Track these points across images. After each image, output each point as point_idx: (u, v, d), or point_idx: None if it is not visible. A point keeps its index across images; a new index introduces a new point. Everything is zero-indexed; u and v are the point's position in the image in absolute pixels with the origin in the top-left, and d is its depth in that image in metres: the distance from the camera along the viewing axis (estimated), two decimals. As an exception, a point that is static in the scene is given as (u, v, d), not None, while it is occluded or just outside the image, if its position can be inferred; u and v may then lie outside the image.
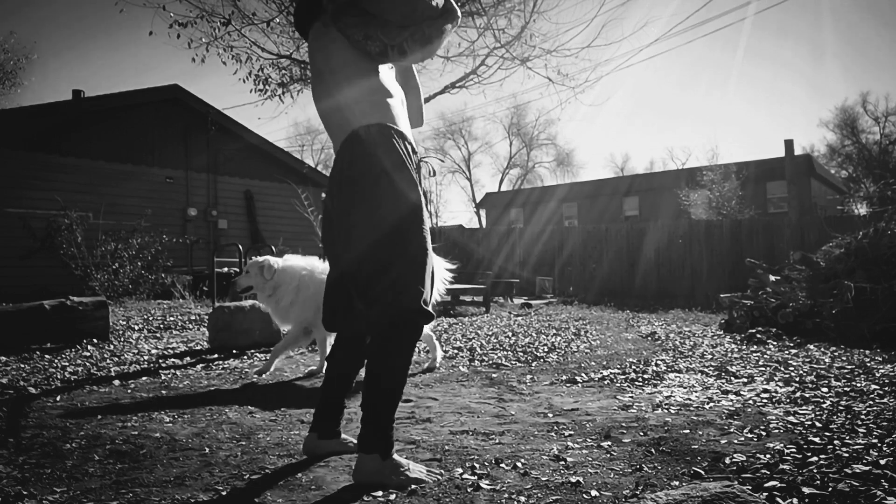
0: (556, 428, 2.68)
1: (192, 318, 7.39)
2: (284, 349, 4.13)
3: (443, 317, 8.01)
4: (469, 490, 1.92)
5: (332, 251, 2.17)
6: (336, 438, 2.27)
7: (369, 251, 1.98)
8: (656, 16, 36.25)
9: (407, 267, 1.98)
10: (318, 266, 4.21)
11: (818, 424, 2.50)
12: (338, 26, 2.06)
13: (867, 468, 1.87)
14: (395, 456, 2.01)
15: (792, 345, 5.16)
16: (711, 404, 3.02)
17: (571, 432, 2.60)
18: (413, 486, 1.94)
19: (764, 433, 2.43)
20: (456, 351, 5.12)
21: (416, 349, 3.98)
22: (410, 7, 2.02)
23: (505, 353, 5.04)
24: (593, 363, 4.56)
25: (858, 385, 3.32)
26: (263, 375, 3.95)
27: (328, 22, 2.10)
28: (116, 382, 3.81)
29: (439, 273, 3.76)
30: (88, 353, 4.85)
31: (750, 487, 1.78)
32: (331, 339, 4.09)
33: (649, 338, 6.13)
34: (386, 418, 1.98)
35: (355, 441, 2.22)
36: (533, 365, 4.52)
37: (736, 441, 2.34)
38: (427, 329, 4.01)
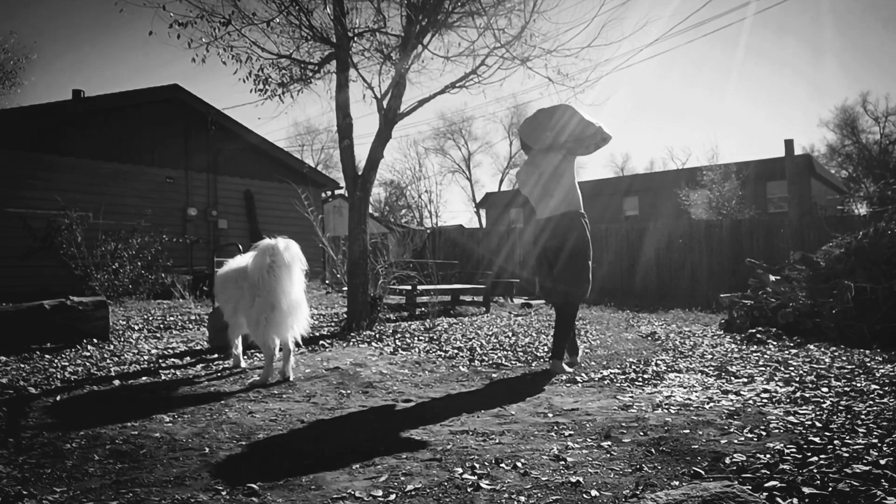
0: (556, 428, 2.68)
1: (192, 318, 7.39)
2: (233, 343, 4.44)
3: (443, 316, 8.00)
4: (469, 490, 1.92)
5: (548, 263, 4.35)
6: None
7: (572, 270, 4.20)
8: (656, 16, 36.11)
9: (582, 280, 4.24)
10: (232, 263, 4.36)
11: (818, 424, 2.50)
12: (565, 149, 4.33)
13: (867, 468, 1.87)
14: (563, 363, 4.20)
15: (792, 345, 5.16)
16: (711, 404, 3.02)
17: (571, 432, 2.60)
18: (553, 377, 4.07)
19: (764, 433, 2.43)
20: (456, 351, 5.11)
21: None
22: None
23: (505, 352, 5.03)
24: (593, 363, 4.56)
25: (858, 385, 3.32)
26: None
27: (554, 147, 4.34)
28: (116, 382, 3.81)
29: None
30: (88, 353, 4.85)
31: (750, 487, 1.78)
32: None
33: (649, 338, 6.13)
34: (564, 342, 4.24)
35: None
36: (533, 365, 4.52)
37: (736, 441, 2.34)
38: (277, 350, 4.01)
